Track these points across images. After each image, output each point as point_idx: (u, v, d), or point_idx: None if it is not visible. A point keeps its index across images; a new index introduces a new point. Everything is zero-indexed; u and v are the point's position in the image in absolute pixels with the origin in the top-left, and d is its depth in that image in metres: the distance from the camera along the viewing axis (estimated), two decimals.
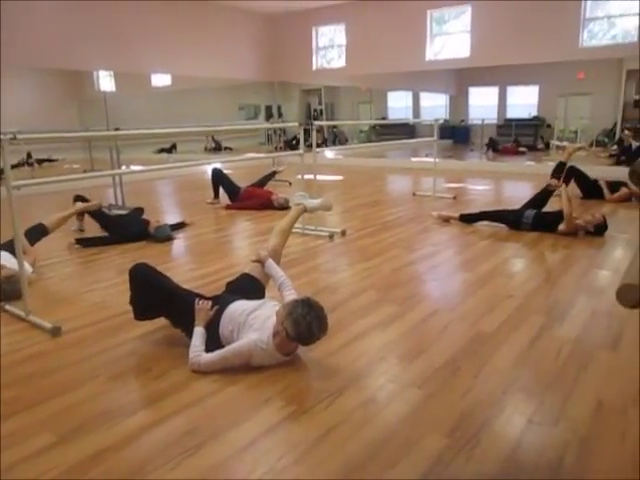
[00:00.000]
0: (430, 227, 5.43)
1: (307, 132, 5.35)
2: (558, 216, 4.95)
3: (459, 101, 15.99)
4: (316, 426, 1.99)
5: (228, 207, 6.71)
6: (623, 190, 6.59)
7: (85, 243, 4.90)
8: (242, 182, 7.09)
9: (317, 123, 5.50)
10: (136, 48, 10.41)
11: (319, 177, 5.66)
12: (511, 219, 5.20)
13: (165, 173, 10.04)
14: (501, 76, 13.74)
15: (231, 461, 1.81)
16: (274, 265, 2.91)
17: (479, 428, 1.95)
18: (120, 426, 2.02)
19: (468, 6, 10.75)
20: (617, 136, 12.04)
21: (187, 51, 11.25)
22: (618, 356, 2.56)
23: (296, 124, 5.57)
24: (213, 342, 2.49)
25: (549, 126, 14.01)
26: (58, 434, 1.97)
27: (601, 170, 8.34)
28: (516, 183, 8.98)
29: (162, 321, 2.83)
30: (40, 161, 10.81)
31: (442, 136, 11.22)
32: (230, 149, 13.87)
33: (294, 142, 13.89)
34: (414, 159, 12.30)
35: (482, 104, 15.41)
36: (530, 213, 5.11)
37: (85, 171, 8.01)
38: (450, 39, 11.44)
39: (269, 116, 14.31)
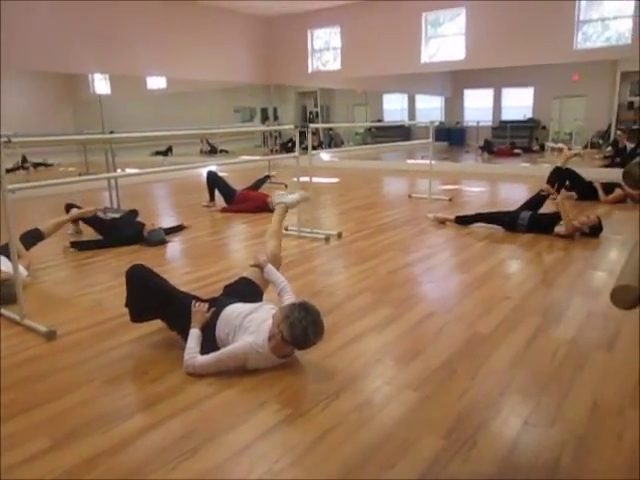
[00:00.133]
0: (426, 229, 5.44)
1: (303, 134, 5.36)
2: (554, 217, 4.96)
3: (454, 103, 16.03)
4: (313, 429, 1.99)
5: (224, 210, 6.70)
6: (618, 191, 6.62)
7: (80, 246, 4.88)
8: (238, 185, 7.08)
9: (313, 125, 5.52)
10: (131, 51, 10.38)
11: (315, 179, 5.66)
12: (507, 221, 5.21)
13: (161, 176, 10.03)
14: (496, 78, 13.78)
15: (228, 464, 1.81)
16: (274, 271, 2.90)
17: (476, 429, 1.95)
18: (116, 430, 2.01)
19: (463, 8, 10.78)
20: (612, 138, 12.09)
21: (183, 54, 11.23)
22: (613, 357, 2.57)
23: (292, 126, 5.57)
24: (209, 345, 2.49)
25: (544, 128, 14.06)
26: (53, 438, 1.96)
27: (596, 172, 8.37)
28: (511, 185, 9.01)
29: (158, 324, 2.83)
30: (35, 165, 10.79)
31: (438, 138, 11.22)
32: (226, 152, 13.86)
33: (290, 145, 13.88)
34: (410, 161, 12.32)
35: (477, 106, 15.45)
36: (526, 215, 5.13)
37: (80, 174, 7.97)
38: (445, 41, 11.46)
39: (265, 119, 14.29)
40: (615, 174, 7.06)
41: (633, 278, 0.96)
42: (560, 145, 11.92)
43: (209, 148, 13.97)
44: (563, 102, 13.07)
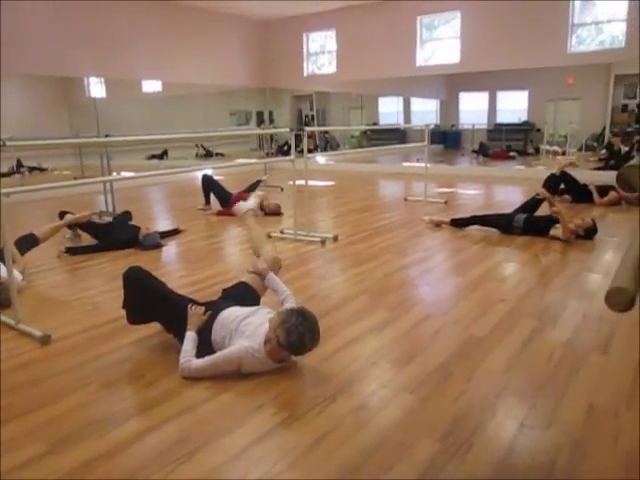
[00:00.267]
0: (422, 232, 5.45)
1: (298, 138, 5.36)
2: (549, 220, 4.98)
3: (450, 106, 16.06)
4: (309, 432, 1.99)
5: (219, 213, 6.70)
6: (612, 194, 6.66)
7: (74, 251, 4.86)
8: (234, 188, 7.08)
9: (308, 129, 5.51)
10: (127, 55, 10.39)
11: (311, 183, 5.66)
12: (502, 223, 5.23)
13: (156, 179, 10.00)
14: (491, 81, 13.83)
15: (224, 468, 1.80)
16: (275, 279, 2.87)
17: (472, 432, 1.96)
18: (112, 434, 2.00)
19: (458, 12, 10.83)
20: (606, 140, 12.14)
21: (178, 57, 11.24)
22: (609, 359, 2.58)
23: (287, 130, 5.57)
24: (205, 348, 2.48)
25: (539, 131, 14.11)
26: (49, 443, 1.95)
27: (590, 174, 8.40)
28: (506, 187, 9.03)
29: (154, 327, 2.82)
30: (31, 169, 10.75)
31: (433, 141, 11.24)
32: (222, 155, 13.84)
33: (286, 148, 13.89)
34: (405, 164, 12.34)
35: (472, 109, 15.49)
36: (521, 217, 5.14)
37: (75, 178, 7.96)
38: (440, 45, 11.51)
39: (260, 122, 14.30)
40: (610, 177, 7.07)
41: (628, 280, 0.97)
42: (555, 148, 11.98)
43: (204, 152, 13.96)
44: (558, 105, 13.13)
